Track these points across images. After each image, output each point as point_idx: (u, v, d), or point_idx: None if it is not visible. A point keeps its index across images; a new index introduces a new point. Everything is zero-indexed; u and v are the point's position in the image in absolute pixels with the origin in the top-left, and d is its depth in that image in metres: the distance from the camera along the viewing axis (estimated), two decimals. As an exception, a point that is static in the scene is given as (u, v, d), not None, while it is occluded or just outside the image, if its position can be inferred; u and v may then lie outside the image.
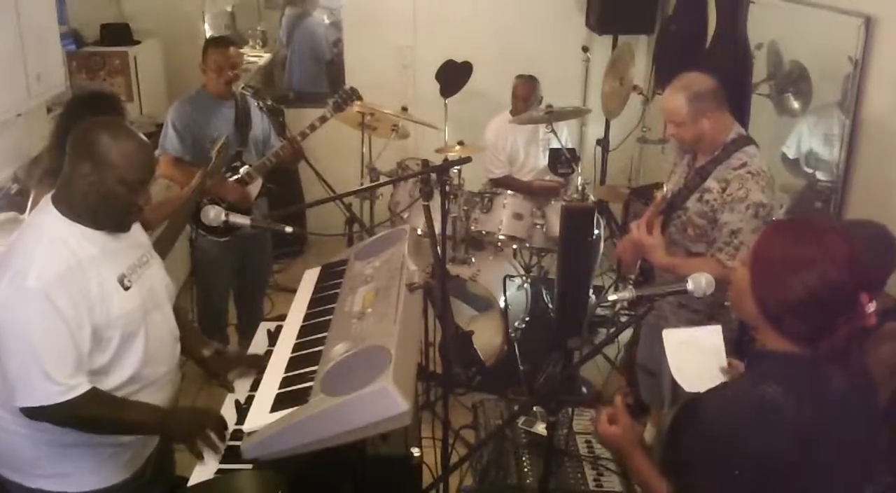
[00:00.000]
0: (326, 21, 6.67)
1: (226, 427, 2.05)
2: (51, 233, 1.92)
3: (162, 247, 2.82)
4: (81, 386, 1.88)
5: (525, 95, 4.54)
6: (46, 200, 1.99)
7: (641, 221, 2.78)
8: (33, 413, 1.89)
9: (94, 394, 1.91)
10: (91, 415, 1.93)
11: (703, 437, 1.59)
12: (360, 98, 3.88)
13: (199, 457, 1.98)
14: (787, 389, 1.53)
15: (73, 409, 1.87)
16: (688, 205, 2.77)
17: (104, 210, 1.96)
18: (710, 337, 1.91)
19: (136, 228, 2.16)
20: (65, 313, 1.84)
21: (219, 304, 4.05)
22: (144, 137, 2.01)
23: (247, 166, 3.68)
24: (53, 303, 1.83)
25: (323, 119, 3.71)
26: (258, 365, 2.26)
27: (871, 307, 1.51)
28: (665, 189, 2.92)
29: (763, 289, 1.57)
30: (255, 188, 3.76)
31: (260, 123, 3.85)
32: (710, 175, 2.72)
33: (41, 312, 1.83)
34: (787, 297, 1.53)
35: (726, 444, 1.54)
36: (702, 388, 1.80)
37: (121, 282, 1.99)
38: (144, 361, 2.04)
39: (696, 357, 1.89)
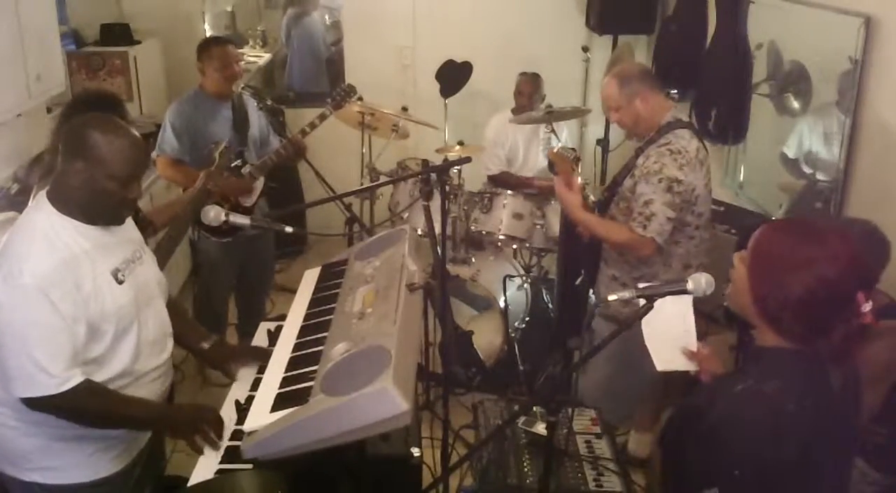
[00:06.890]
0: (327, 20, 6.67)
1: (222, 425, 2.05)
2: (44, 228, 1.93)
3: (165, 250, 2.81)
4: (75, 378, 1.90)
5: (529, 90, 4.56)
6: (41, 196, 2.01)
7: (560, 178, 2.98)
8: (32, 404, 1.91)
9: (89, 386, 1.93)
10: (88, 407, 1.95)
11: (705, 436, 1.58)
12: (356, 93, 3.86)
13: (199, 452, 2.00)
14: (788, 386, 1.53)
15: (69, 400, 1.90)
16: (624, 182, 2.93)
17: (97, 205, 1.98)
18: (676, 304, 1.90)
19: (129, 223, 2.18)
20: (60, 308, 1.87)
21: (219, 306, 4.03)
22: (136, 133, 2.03)
23: (249, 165, 3.68)
24: (49, 298, 1.85)
25: (322, 117, 3.70)
26: (262, 357, 2.27)
27: (868, 306, 1.51)
28: (578, 152, 3.09)
29: (761, 288, 1.57)
30: (257, 187, 3.76)
31: (258, 122, 3.84)
32: (643, 154, 2.87)
33: (37, 307, 1.85)
34: (785, 296, 1.53)
35: (730, 444, 1.53)
36: (674, 365, 1.87)
37: (115, 276, 2.01)
38: (135, 355, 2.07)
39: (663, 325, 1.89)
